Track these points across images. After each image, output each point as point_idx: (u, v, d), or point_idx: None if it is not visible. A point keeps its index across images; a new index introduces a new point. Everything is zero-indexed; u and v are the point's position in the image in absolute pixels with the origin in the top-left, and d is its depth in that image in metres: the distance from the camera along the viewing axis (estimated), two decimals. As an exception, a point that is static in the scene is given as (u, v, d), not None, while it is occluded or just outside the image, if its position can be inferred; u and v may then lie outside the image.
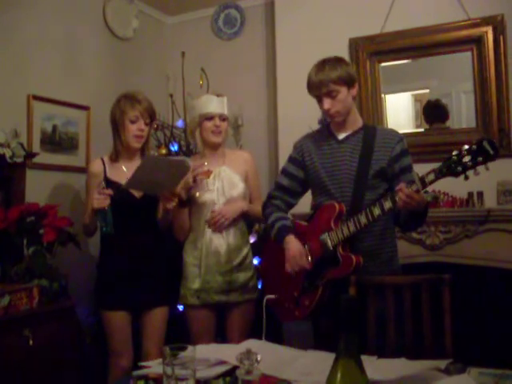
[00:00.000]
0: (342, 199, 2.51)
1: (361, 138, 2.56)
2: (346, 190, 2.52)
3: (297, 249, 2.55)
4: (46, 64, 3.84)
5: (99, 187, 2.84)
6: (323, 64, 2.51)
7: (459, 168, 2.05)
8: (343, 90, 2.49)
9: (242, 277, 3.07)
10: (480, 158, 2.01)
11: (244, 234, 3.17)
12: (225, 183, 3.08)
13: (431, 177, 2.14)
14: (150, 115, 3.06)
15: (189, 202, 3.05)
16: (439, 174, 2.12)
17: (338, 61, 2.54)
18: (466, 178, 2.06)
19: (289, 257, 2.55)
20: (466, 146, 2.04)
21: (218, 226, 3.02)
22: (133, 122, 2.99)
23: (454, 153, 2.07)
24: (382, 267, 2.50)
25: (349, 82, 2.51)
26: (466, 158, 2.03)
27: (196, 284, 3.03)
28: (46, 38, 3.84)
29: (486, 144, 2.01)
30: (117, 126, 3.02)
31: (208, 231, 3.04)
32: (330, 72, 2.47)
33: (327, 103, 2.49)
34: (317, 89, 2.50)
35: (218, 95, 3.12)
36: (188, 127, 3.18)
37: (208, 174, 3.00)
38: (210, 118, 3.07)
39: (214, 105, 3.08)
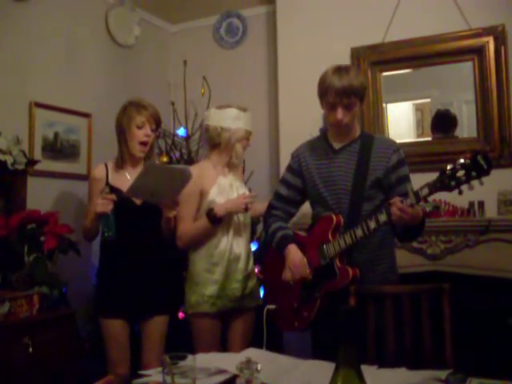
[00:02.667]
0: (339, 210, 2.50)
1: (357, 148, 2.54)
2: (342, 201, 2.51)
3: (298, 258, 2.54)
4: (48, 71, 3.85)
5: (103, 192, 2.84)
6: (346, 70, 2.44)
7: (453, 183, 2.03)
8: (358, 104, 2.48)
9: (251, 283, 3.09)
10: (474, 173, 1.98)
11: (250, 241, 3.20)
12: (240, 191, 3.08)
13: (425, 191, 2.13)
14: (156, 121, 3.06)
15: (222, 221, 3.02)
16: (433, 189, 2.10)
17: (357, 70, 2.54)
18: (460, 192, 2.04)
19: (289, 265, 2.55)
20: (461, 160, 2.01)
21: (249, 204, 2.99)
22: (139, 128, 2.99)
23: (448, 167, 2.04)
24: (379, 278, 2.49)
25: (363, 97, 2.50)
26: (460, 173, 2.01)
27: (211, 290, 2.98)
28: (48, 44, 3.85)
29: (480, 159, 1.98)
30: (123, 132, 3.02)
31: (230, 238, 3.02)
32: (354, 80, 2.41)
33: (341, 113, 2.44)
34: (337, 97, 2.42)
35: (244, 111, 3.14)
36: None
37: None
38: (248, 138, 3.11)
39: (251, 124, 3.14)
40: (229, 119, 3.05)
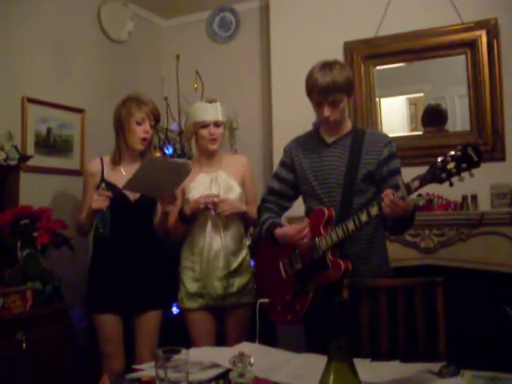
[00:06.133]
0: (331, 204, 2.50)
1: (349, 142, 2.54)
2: (334, 194, 2.51)
3: (290, 228, 2.52)
4: (41, 66, 3.83)
5: (100, 188, 2.84)
6: (329, 67, 2.44)
7: (443, 175, 2.03)
8: (345, 99, 2.47)
9: (238, 281, 3.05)
10: (464, 165, 1.99)
11: (241, 238, 3.15)
12: (221, 187, 3.05)
13: (416, 183, 2.13)
14: (155, 117, 3.04)
15: (193, 219, 3.03)
16: (424, 181, 2.11)
17: (342, 65, 2.51)
18: (451, 184, 2.04)
19: (291, 236, 2.49)
20: (452, 152, 2.02)
21: (223, 210, 2.96)
22: (139, 124, 2.97)
23: (439, 159, 2.05)
24: (372, 272, 2.49)
25: (350, 91, 2.49)
26: (451, 165, 2.01)
27: (193, 288, 3.02)
28: (40, 40, 3.84)
29: (470, 150, 1.98)
30: (122, 127, 2.99)
31: (207, 236, 3.01)
32: (337, 76, 2.40)
33: (328, 111, 2.45)
34: (321, 95, 2.43)
35: (210, 101, 3.09)
36: (184, 135, 3.17)
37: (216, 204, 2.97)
38: (205, 125, 3.04)
39: (207, 112, 3.05)
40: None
